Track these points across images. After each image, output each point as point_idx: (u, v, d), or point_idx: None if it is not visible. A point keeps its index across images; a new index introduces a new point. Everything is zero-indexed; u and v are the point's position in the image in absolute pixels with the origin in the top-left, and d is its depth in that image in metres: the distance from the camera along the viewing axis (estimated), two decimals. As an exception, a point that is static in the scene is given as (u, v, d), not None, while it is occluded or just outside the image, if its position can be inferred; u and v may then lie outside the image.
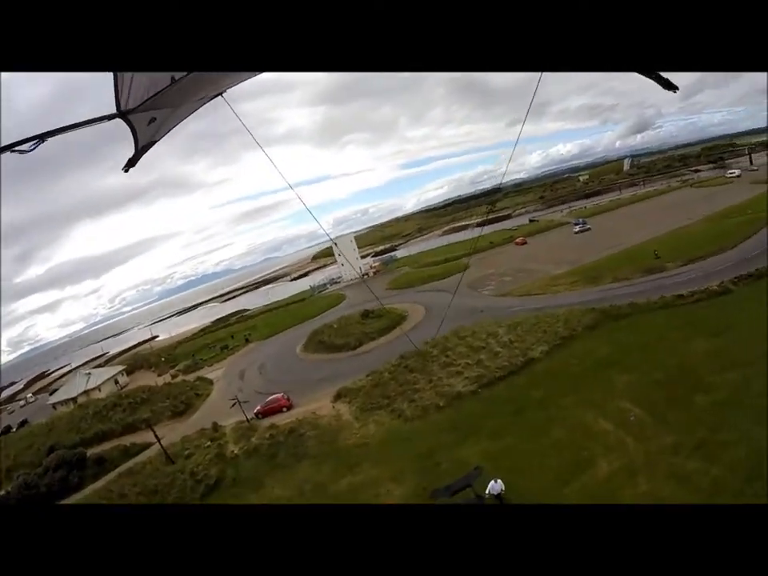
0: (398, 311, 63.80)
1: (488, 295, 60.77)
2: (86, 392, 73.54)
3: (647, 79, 3.90)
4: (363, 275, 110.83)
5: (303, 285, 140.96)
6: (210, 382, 62.25)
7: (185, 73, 3.58)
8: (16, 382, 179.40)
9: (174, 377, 72.17)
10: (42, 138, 3.15)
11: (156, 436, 39.64)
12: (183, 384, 63.06)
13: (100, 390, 74.00)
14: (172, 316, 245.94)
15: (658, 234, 64.88)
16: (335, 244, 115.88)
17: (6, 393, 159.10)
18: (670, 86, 3.88)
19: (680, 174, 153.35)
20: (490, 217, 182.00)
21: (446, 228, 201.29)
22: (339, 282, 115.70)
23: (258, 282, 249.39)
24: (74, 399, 72.64)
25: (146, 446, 44.10)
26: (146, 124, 4.13)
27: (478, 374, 34.83)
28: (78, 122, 3.56)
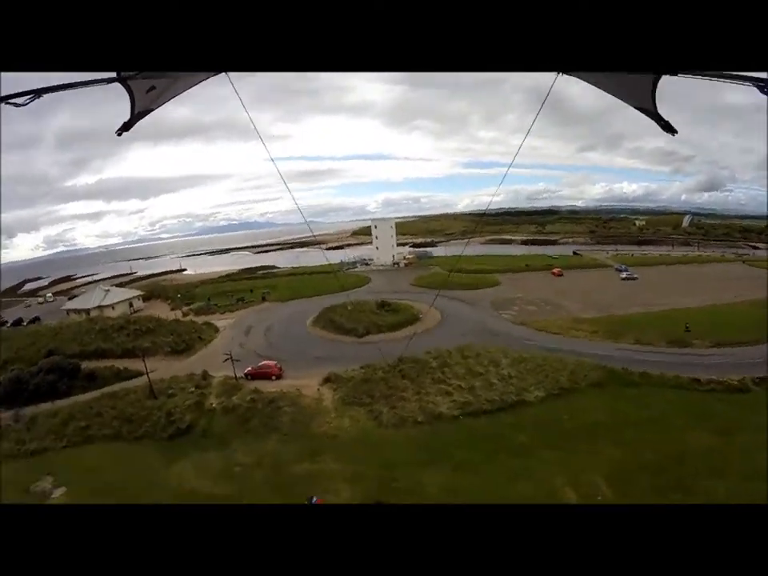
0: (414, 310, 63.10)
1: (507, 319, 59.50)
2: (100, 307, 75.73)
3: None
4: (394, 264, 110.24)
5: (335, 257, 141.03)
6: (216, 330, 62.83)
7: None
8: (42, 278, 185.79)
9: (184, 315, 73.20)
10: (38, 93, 3.18)
11: (146, 368, 40.41)
12: (190, 324, 63.81)
13: (113, 309, 76.13)
14: (205, 254, 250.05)
15: (697, 304, 61.83)
16: (374, 226, 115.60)
17: (30, 286, 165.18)
18: (669, 128, 3.86)
19: (737, 245, 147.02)
20: (537, 238, 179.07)
21: (489, 237, 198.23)
22: (369, 264, 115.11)
23: (294, 243, 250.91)
24: (87, 311, 74.91)
25: (138, 374, 44.93)
26: (144, 91, 4.14)
27: (466, 400, 34.28)
28: (76, 81, 3.52)
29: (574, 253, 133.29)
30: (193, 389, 39.77)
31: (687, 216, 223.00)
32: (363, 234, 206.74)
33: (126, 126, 4.46)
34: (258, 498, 25.64)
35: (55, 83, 3.50)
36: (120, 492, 26.88)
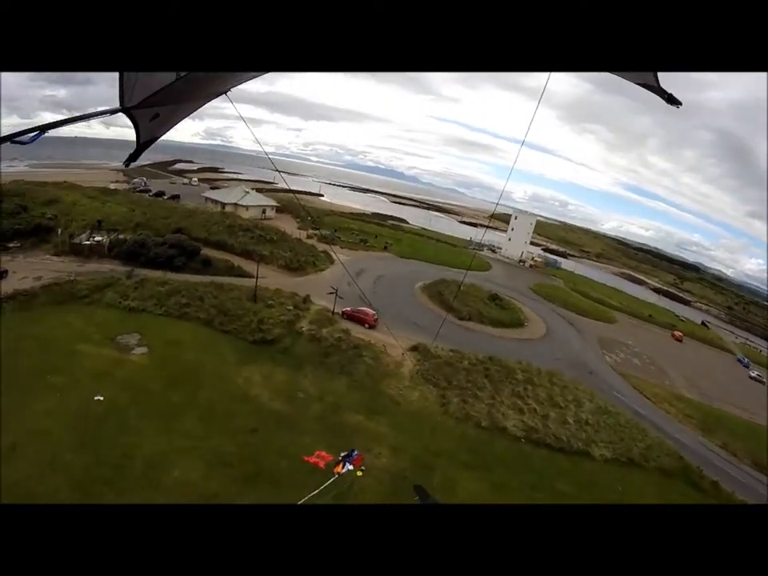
0: (522, 315, 62.10)
1: (607, 363, 56.45)
2: (236, 204, 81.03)
3: None
4: (520, 261, 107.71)
5: (465, 232, 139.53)
6: (331, 261, 64.69)
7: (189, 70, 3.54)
8: (193, 162, 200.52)
9: (309, 237, 76.12)
10: (42, 129, 3.14)
11: (257, 273, 43.14)
12: (311, 248, 66.59)
13: (247, 209, 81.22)
14: (345, 187, 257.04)
15: None
16: (515, 217, 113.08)
17: (180, 166, 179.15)
18: (672, 100, 3.70)
19: None
20: (670, 290, 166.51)
21: (624, 270, 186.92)
22: (496, 252, 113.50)
23: (431, 205, 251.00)
24: (223, 204, 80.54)
25: (248, 275, 48.25)
26: (148, 120, 4.10)
27: (535, 426, 33.29)
28: (79, 114, 3.52)
29: (703, 323, 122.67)
30: (291, 307, 41.97)
31: None
32: (500, 219, 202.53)
33: (133, 157, 4.42)
34: (305, 429, 26.98)
35: (59, 117, 3.44)
36: (191, 373, 29.70)
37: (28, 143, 3.10)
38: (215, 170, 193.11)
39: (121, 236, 51.94)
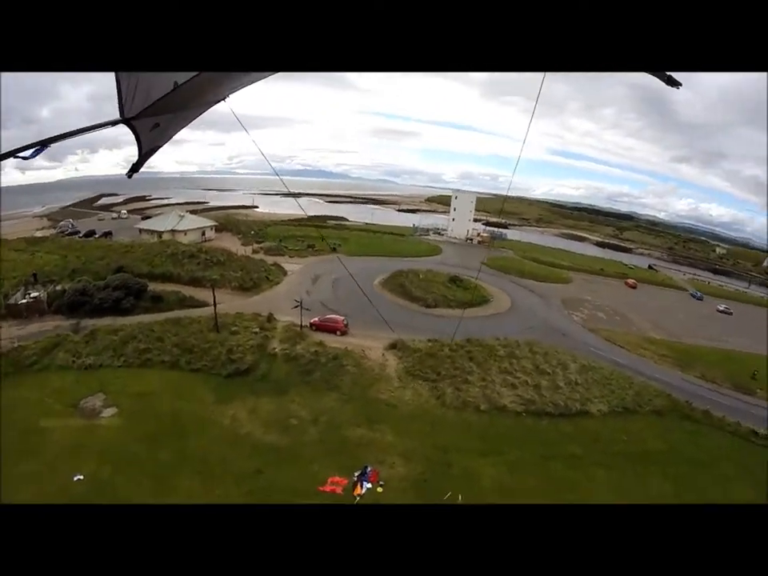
0: (484, 291, 62.24)
1: (576, 322, 57.60)
2: (173, 231, 77.36)
3: None
4: (467, 239, 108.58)
5: (407, 220, 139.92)
6: (284, 273, 63.15)
7: (187, 78, 3.49)
8: (118, 195, 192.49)
9: (255, 252, 73.98)
10: (43, 144, 3.17)
11: (215, 300, 40.81)
12: (260, 263, 64.35)
13: (186, 235, 77.66)
14: (278, 194, 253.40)
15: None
16: (455, 197, 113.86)
17: (105, 200, 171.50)
18: (672, 82, 3.64)
19: None
20: (612, 242, 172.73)
21: (564, 231, 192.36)
22: (442, 235, 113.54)
23: (366, 198, 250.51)
24: (159, 233, 76.66)
25: (202, 304, 46.11)
26: (149, 130, 4.10)
27: (531, 398, 33.31)
28: (80, 128, 3.52)
29: (650, 267, 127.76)
30: (257, 329, 40.03)
31: None
32: (438, 202, 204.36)
33: (135, 168, 4.44)
34: (311, 457, 25.65)
35: (61, 131, 3.42)
36: (171, 424, 27.44)
37: (30, 158, 3.16)
38: (143, 198, 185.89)
39: (58, 287, 48.01)
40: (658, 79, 3.69)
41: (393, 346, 39.36)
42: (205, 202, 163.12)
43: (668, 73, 3.60)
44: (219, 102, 5.08)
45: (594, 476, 26.59)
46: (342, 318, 44.04)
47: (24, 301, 44.58)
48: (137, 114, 3.53)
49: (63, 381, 31.45)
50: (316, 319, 43.37)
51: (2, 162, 3.45)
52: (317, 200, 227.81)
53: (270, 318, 43.06)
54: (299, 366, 34.97)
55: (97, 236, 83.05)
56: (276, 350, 37.15)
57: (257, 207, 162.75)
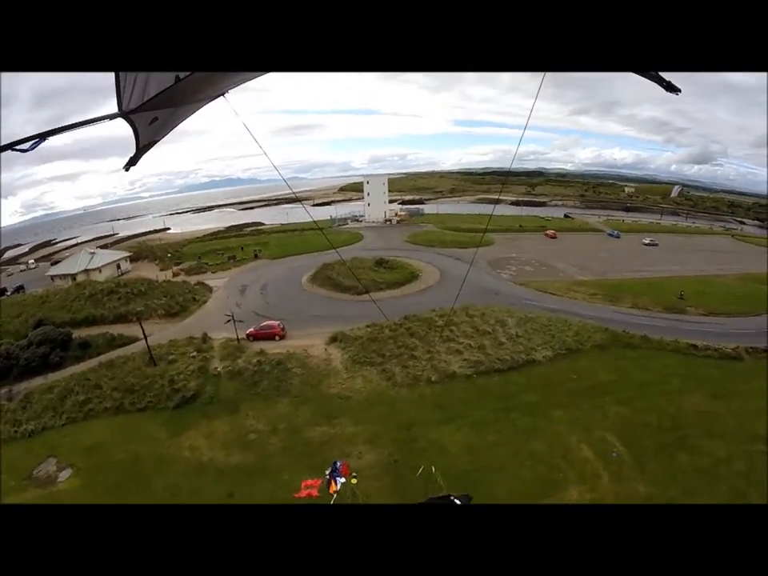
0: (412, 268, 62.68)
1: (506, 279, 59.44)
2: (86, 271, 73.07)
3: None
4: (386, 221, 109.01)
5: (324, 213, 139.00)
6: (210, 290, 61.42)
7: (187, 73, 3.56)
8: (21, 245, 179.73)
9: (175, 275, 71.27)
10: (42, 137, 3.22)
11: (144, 333, 39.01)
12: (183, 285, 62.12)
13: (100, 272, 73.57)
14: (188, 212, 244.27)
15: (688, 273, 62.77)
16: (367, 182, 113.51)
17: (10, 254, 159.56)
18: (671, 88, 3.68)
19: (725, 220, 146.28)
20: (526, 199, 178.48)
21: (479, 196, 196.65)
22: (360, 221, 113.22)
23: (280, 199, 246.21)
24: (73, 276, 72.11)
25: (133, 340, 43.67)
26: (147, 124, 4.18)
27: (478, 359, 34.17)
28: (79, 121, 3.56)
29: (566, 216, 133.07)
30: (194, 353, 38.69)
31: (676, 186, 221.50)
32: (351, 189, 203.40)
33: (133, 161, 4.52)
34: (279, 465, 25.35)
35: (58, 125, 3.49)
36: (130, 470, 26.31)
37: (28, 151, 3.14)
38: (48, 242, 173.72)
39: (-21, 356, 44.30)
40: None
41: (334, 339, 39.19)
42: (114, 234, 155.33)
43: (667, 79, 3.63)
44: (218, 96, 5.12)
45: (553, 416, 27.93)
46: (278, 322, 43.45)
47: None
48: (135, 108, 3.63)
49: (10, 454, 28.67)
50: (252, 329, 42.46)
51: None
52: (230, 209, 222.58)
53: (205, 338, 41.70)
54: (245, 380, 34.16)
55: (9, 293, 76.53)
56: (218, 369, 36.12)
57: (169, 229, 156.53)
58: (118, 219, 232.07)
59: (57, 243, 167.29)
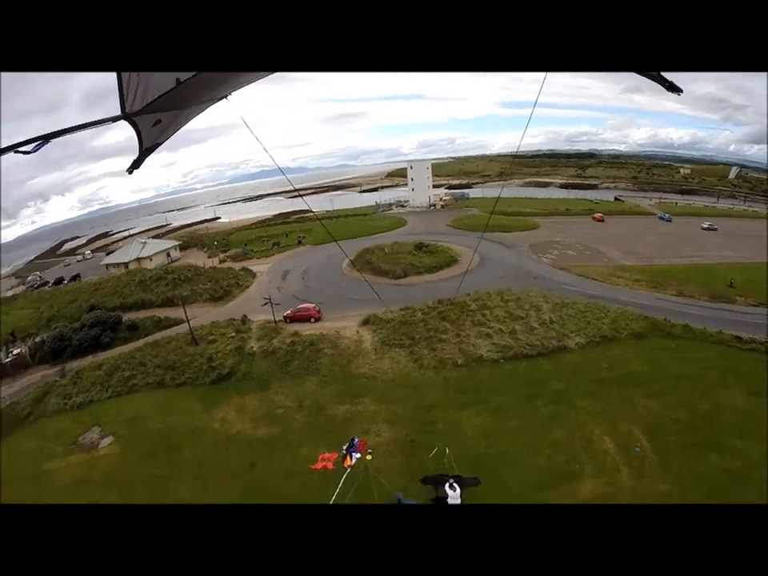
0: (452, 252, 62.23)
1: (546, 263, 58.12)
2: (138, 259, 76.82)
3: None
4: (430, 206, 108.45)
5: (370, 199, 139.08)
6: (253, 275, 63.30)
7: (190, 75, 3.60)
8: (79, 237, 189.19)
9: (222, 261, 73.88)
10: (46, 138, 3.19)
11: (186, 316, 41.02)
12: (228, 271, 64.46)
13: (151, 260, 77.16)
14: (238, 201, 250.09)
15: (740, 260, 58.51)
16: (410, 167, 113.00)
17: (68, 246, 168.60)
18: (673, 88, 3.65)
19: None
20: (576, 182, 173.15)
21: (528, 179, 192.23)
22: (405, 206, 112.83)
23: (328, 187, 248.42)
24: (125, 264, 76.14)
25: (178, 322, 45.86)
26: (150, 126, 4.16)
27: (507, 344, 33.72)
28: (82, 123, 3.55)
29: (616, 198, 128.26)
30: (233, 334, 40.29)
31: (734, 167, 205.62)
32: (398, 175, 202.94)
33: (136, 164, 4.49)
34: (300, 440, 26.20)
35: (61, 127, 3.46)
36: (164, 439, 28.10)
37: (32, 152, 3.14)
38: (105, 234, 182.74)
39: (37, 339, 48.05)
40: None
41: (366, 322, 39.77)
42: (167, 224, 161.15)
43: (669, 79, 3.64)
44: (221, 99, 5.16)
45: (578, 406, 26.96)
46: (314, 305, 44.42)
47: (8, 360, 44.83)
48: (138, 110, 3.58)
49: (59, 423, 31.87)
50: (289, 311, 43.65)
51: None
52: (279, 198, 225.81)
53: (245, 320, 43.33)
54: (278, 359, 35.27)
55: (66, 282, 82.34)
56: (254, 348, 37.42)
57: (219, 218, 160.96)
58: (171, 210, 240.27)
59: (113, 235, 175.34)
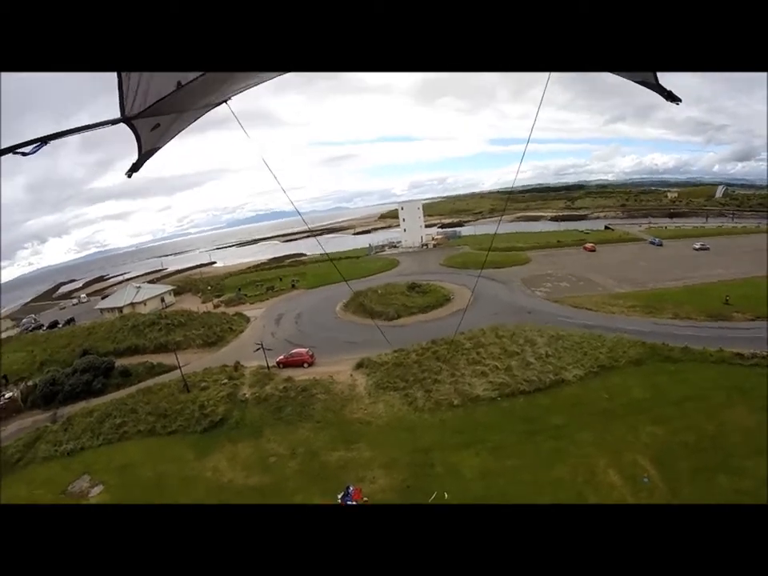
0: (444, 291, 62.27)
1: (540, 297, 58.04)
2: (132, 304, 76.87)
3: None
4: (423, 245, 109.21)
5: (364, 241, 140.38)
6: (247, 320, 63.04)
7: (190, 79, 3.58)
8: (75, 280, 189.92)
9: (216, 306, 73.72)
10: (44, 140, 3.18)
11: (178, 362, 40.69)
12: (221, 316, 64.07)
13: (145, 305, 77.17)
14: (233, 246, 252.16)
15: (735, 276, 58.80)
16: (401, 208, 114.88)
17: (64, 289, 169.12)
18: (672, 97, 3.73)
19: None
20: (566, 214, 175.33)
21: (518, 215, 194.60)
22: (398, 247, 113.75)
23: (322, 230, 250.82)
24: (119, 309, 75.97)
25: (171, 368, 45.37)
26: (149, 130, 4.14)
27: (503, 381, 33.30)
28: (81, 125, 3.52)
29: (606, 227, 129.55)
30: (225, 380, 39.84)
31: (720, 186, 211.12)
32: (391, 216, 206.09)
33: (135, 167, 4.45)
34: (294, 488, 25.56)
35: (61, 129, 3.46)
36: (154, 489, 27.55)
37: (30, 154, 3.13)
38: (101, 278, 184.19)
39: (30, 383, 47.90)
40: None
41: (360, 365, 39.31)
42: (163, 269, 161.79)
43: (668, 89, 3.71)
44: (221, 103, 5.14)
45: (580, 440, 26.44)
46: (307, 349, 44.10)
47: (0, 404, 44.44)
48: (138, 113, 3.57)
49: (49, 470, 31.71)
50: (282, 357, 43.26)
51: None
52: (274, 242, 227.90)
53: (237, 366, 42.84)
54: (270, 405, 34.82)
55: (61, 325, 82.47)
56: (246, 395, 36.97)
57: (214, 262, 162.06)
58: (167, 255, 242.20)
59: (108, 278, 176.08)
